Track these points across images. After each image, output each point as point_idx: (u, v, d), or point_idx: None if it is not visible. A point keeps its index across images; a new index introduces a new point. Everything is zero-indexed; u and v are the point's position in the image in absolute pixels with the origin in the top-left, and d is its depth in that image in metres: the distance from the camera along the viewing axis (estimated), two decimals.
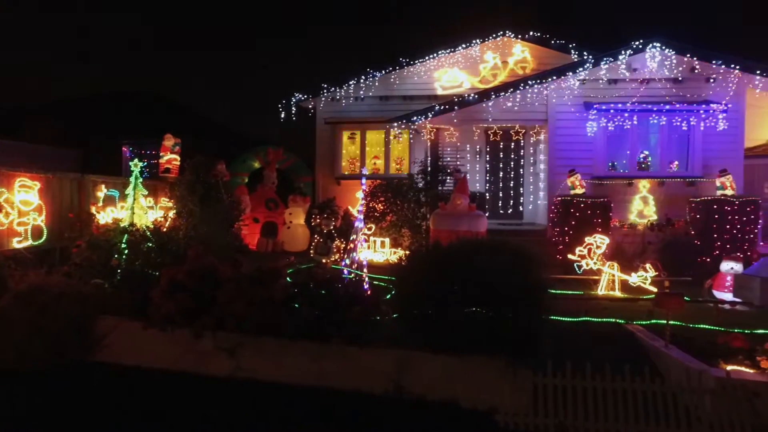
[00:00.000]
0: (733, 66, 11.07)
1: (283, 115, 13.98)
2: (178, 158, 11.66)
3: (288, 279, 7.81)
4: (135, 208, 8.15)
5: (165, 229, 8.51)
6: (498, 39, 13.54)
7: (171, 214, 9.84)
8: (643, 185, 11.52)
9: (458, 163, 12.79)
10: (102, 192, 9.84)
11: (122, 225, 7.74)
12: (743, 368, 5.22)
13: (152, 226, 8.14)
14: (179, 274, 6.17)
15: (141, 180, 8.42)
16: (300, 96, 13.99)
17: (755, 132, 12.06)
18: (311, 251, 10.83)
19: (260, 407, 5.37)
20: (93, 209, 9.41)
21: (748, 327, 6.44)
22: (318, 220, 10.96)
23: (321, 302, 5.82)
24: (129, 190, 8.22)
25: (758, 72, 10.96)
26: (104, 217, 9.36)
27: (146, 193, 9.10)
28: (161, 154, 11.73)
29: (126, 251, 7.28)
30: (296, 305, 6.05)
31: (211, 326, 6.00)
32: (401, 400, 5.39)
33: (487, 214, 11.10)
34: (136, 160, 8.41)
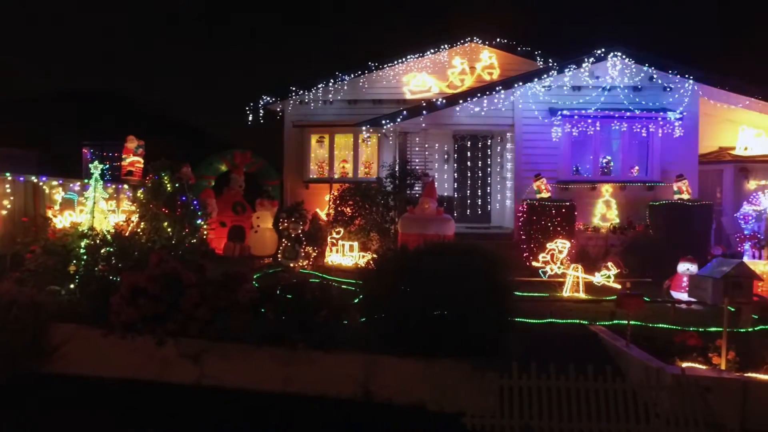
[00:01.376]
0: (687, 76, 11.55)
1: (250, 118, 13.78)
2: (142, 161, 11.35)
3: (255, 284, 7.69)
4: (95, 212, 7.88)
5: (127, 234, 8.26)
6: (466, 45, 13.71)
7: (134, 218, 9.56)
8: (606, 189, 11.86)
9: (426, 167, 12.89)
10: (59, 195, 9.48)
11: (81, 229, 7.46)
12: (697, 365, 5.44)
13: (113, 231, 7.88)
14: (141, 279, 5.99)
15: (102, 183, 8.15)
16: (268, 99, 13.83)
17: (709, 140, 12.59)
18: (279, 255, 10.71)
19: (226, 415, 5.27)
20: (49, 213, 9.05)
21: (702, 325, 6.70)
22: (286, 224, 10.85)
23: (287, 307, 5.76)
24: (89, 194, 7.94)
25: (706, 82, 11.51)
26: (62, 221, 9.02)
27: (107, 196, 8.81)
28: (124, 156, 11.41)
29: (85, 256, 7.02)
30: (262, 310, 5.96)
31: (175, 333, 5.85)
32: (369, 404, 5.38)
33: (455, 218, 11.21)
34: (96, 162, 8.14)
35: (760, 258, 9.69)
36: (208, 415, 5.29)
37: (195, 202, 10.45)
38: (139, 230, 8.65)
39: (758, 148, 12.33)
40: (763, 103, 11.61)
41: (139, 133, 11.78)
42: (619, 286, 8.81)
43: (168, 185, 9.92)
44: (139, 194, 9.88)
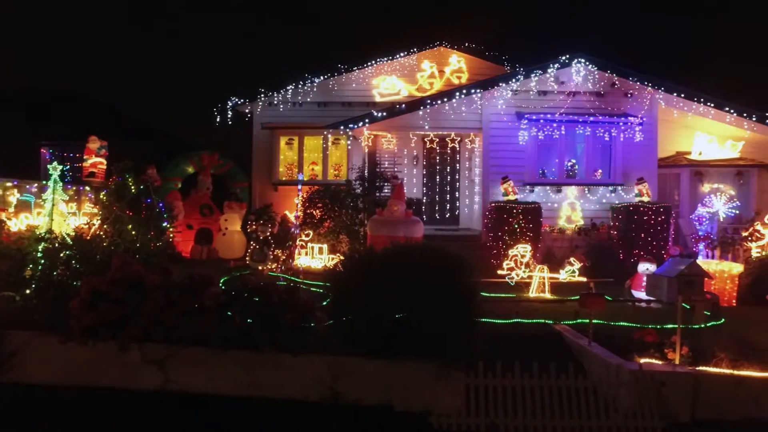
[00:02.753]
0: (646, 83, 12.00)
1: (218, 119, 13.60)
2: (105, 162, 11.07)
3: (222, 287, 7.58)
4: (54, 215, 7.63)
5: (88, 237, 8.02)
6: (435, 49, 13.88)
7: (96, 220, 9.30)
8: (571, 192, 12.17)
9: (395, 169, 12.96)
10: (14, 197, 9.16)
11: (39, 233, 7.21)
12: (654, 360, 5.66)
13: (73, 234, 7.65)
14: (102, 283, 5.83)
15: (61, 184, 7.91)
16: (237, 100, 13.68)
17: (667, 145, 13.06)
18: (247, 258, 10.59)
19: (191, 421, 5.19)
20: (3, 216, 8.73)
21: (659, 322, 6.95)
22: (254, 227, 10.73)
23: (254, 310, 5.70)
24: (47, 195, 7.69)
25: (662, 89, 12.00)
26: (17, 224, 8.71)
27: (67, 198, 8.55)
28: (85, 157, 11.10)
29: (42, 261, 6.78)
30: (229, 313, 5.89)
31: (139, 338, 5.71)
32: (337, 406, 5.39)
33: (424, 220, 11.30)
34: (55, 163, 7.89)
35: (713, 258, 10.12)
36: (173, 422, 5.19)
37: (160, 205, 10.26)
38: (101, 233, 8.43)
39: (711, 153, 12.90)
40: (715, 111, 12.16)
41: (101, 133, 11.49)
42: (585, 279, 9.06)
43: (132, 187, 9.71)
44: (101, 196, 9.64)
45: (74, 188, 10.49)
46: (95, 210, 9.90)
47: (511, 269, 9.57)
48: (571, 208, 12.11)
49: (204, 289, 5.97)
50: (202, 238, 12.09)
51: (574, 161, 12.38)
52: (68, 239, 7.23)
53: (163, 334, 5.69)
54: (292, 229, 8.44)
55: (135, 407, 5.38)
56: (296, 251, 10.81)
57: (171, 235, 10.53)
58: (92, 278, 5.93)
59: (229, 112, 13.64)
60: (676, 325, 5.74)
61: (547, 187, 12.13)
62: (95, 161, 10.99)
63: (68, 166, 14.17)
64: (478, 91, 11.96)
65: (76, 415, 5.25)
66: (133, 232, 8.92)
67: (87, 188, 10.87)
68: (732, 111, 12.08)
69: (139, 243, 8.61)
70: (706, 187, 12.70)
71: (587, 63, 11.92)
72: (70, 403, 5.42)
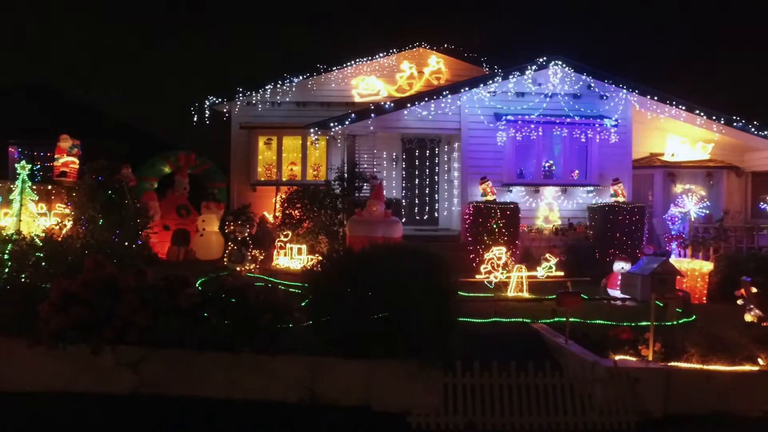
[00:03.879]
0: (621, 85, 12.23)
1: (196, 119, 13.42)
2: (77, 161, 10.81)
3: (199, 288, 7.47)
4: (23, 215, 7.43)
5: (60, 238, 7.82)
6: (414, 49, 13.93)
7: (67, 221, 9.06)
8: (549, 192, 12.32)
9: (375, 169, 12.94)
10: None
11: (5, 234, 7.00)
12: (628, 357, 5.76)
13: (43, 234, 7.44)
14: (73, 285, 5.68)
15: (30, 184, 7.69)
16: (214, 99, 13.51)
17: (641, 146, 13.34)
18: (225, 259, 10.46)
19: (166, 424, 5.09)
20: None
21: (634, 320, 7.08)
22: (232, 227, 10.60)
23: (230, 311, 5.62)
24: (15, 195, 7.48)
25: (636, 91, 12.26)
26: None
27: (36, 198, 8.32)
28: (56, 156, 10.83)
29: (9, 262, 6.58)
30: (205, 315, 5.79)
31: (112, 340, 5.58)
32: (315, 407, 5.35)
33: (403, 221, 11.31)
34: (23, 162, 7.68)
35: (685, 256, 10.36)
36: (148, 425, 5.09)
37: (136, 205, 10.05)
38: (73, 234, 8.23)
39: (683, 154, 13.23)
40: (686, 114, 12.47)
41: (74, 132, 11.21)
42: (562, 274, 9.17)
43: (106, 187, 9.48)
44: (73, 196, 9.39)
45: (44, 188, 10.21)
46: (67, 210, 9.65)
47: (489, 272, 9.65)
48: (548, 209, 12.26)
49: (179, 290, 5.87)
50: (179, 239, 11.89)
51: (551, 162, 12.53)
52: (38, 240, 7.04)
53: (137, 336, 5.57)
54: (271, 230, 8.36)
55: (108, 412, 5.26)
56: (275, 252, 10.73)
57: (147, 236, 10.33)
58: (63, 280, 5.78)
59: (207, 111, 13.47)
60: (650, 323, 5.86)
61: (525, 188, 12.26)
62: (67, 160, 10.74)
63: (38, 166, 13.82)
64: (457, 92, 12.02)
65: (45, 421, 5.10)
66: (107, 233, 8.72)
67: (58, 188, 10.59)
68: (702, 114, 12.39)
69: (113, 244, 8.42)
70: (678, 188, 13.01)
71: (564, 65, 12.09)
72: (40, 410, 5.26)
